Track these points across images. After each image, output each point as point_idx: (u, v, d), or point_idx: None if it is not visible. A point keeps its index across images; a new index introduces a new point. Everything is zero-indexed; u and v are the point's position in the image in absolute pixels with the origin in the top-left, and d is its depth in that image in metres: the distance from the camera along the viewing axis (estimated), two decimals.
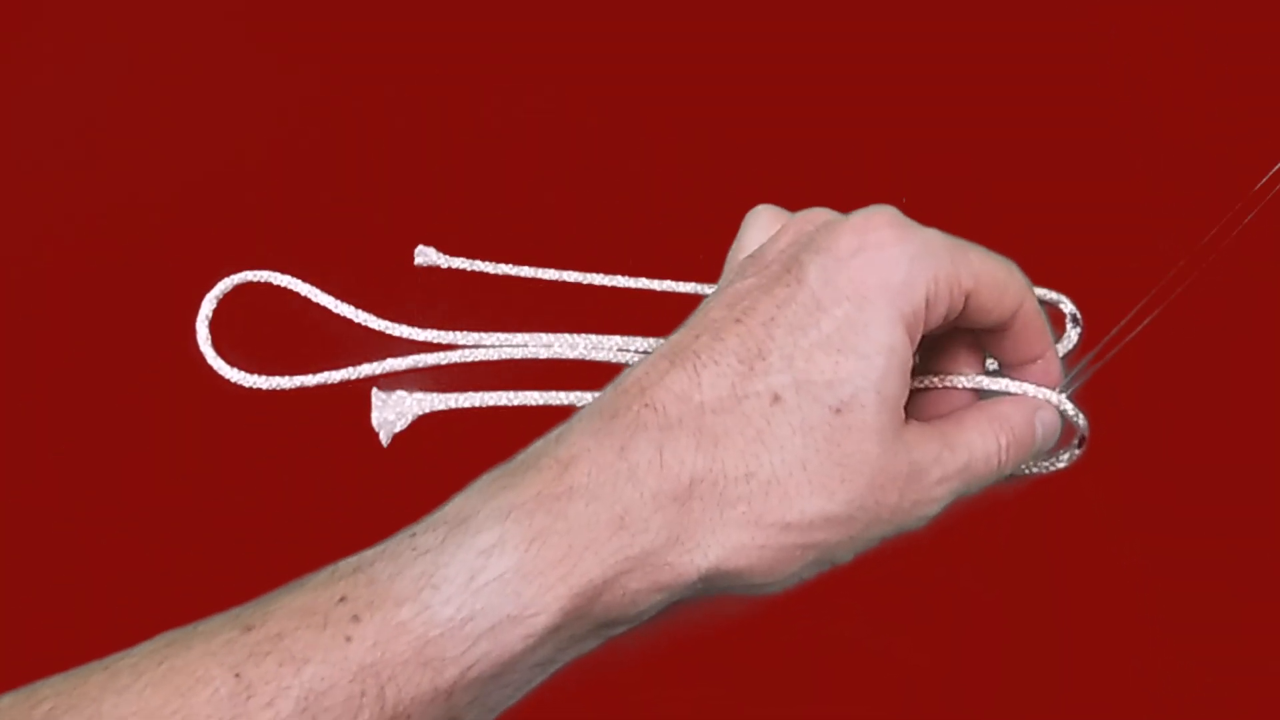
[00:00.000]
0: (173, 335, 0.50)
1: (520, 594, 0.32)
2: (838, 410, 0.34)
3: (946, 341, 0.41)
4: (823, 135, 0.52)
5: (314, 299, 0.50)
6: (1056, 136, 0.52)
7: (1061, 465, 0.42)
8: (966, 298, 0.36)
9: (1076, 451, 0.42)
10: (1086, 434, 0.41)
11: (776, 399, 0.34)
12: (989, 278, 0.36)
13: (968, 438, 0.37)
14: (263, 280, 0.51)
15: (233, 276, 0.50)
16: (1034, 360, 0.40)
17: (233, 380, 0.49)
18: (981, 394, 0.40)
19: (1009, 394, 0.39)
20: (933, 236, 0.36)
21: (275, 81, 0.55)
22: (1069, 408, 0.40)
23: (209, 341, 0.50)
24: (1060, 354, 0.48)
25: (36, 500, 0.47)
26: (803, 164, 0.51)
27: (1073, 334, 0.47)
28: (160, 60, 0.56)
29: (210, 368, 0.49)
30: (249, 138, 0.54)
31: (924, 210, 0.51)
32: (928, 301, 0.35)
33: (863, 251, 0.35)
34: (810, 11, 0.54)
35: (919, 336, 0.35)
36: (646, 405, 0.34)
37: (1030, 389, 0.39)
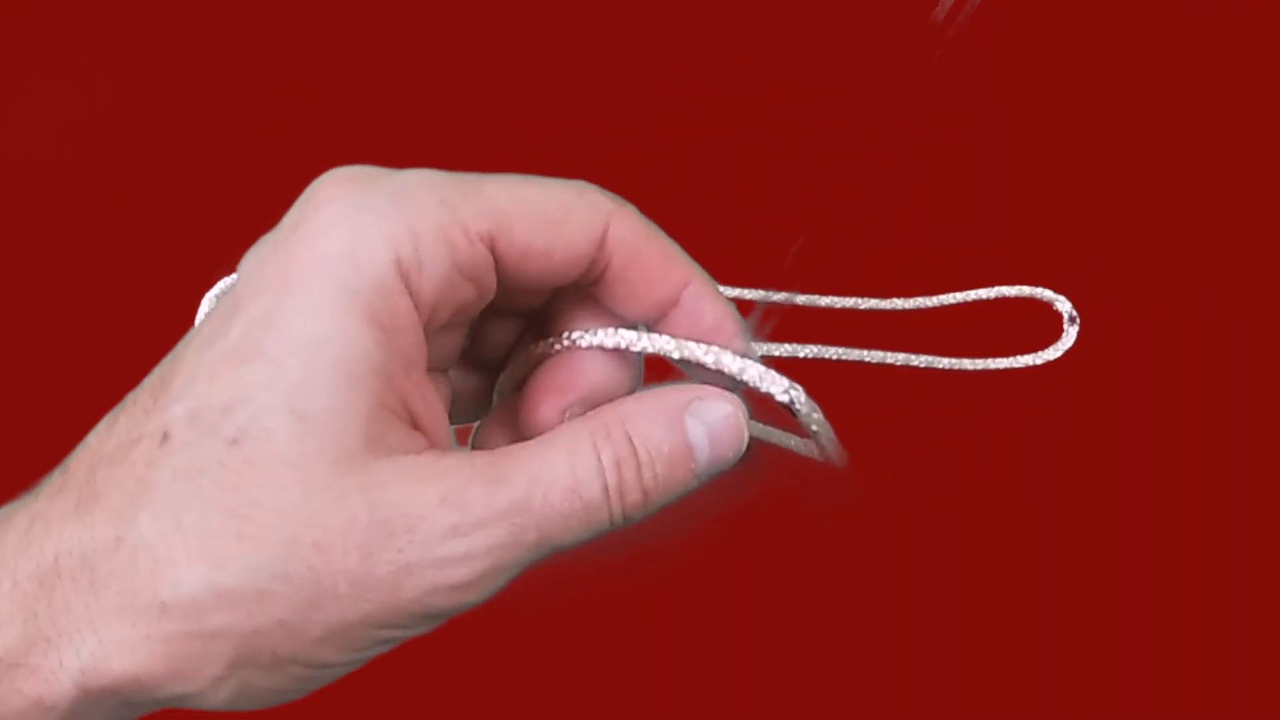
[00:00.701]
0: (173, 335, 0.50)
1: None
2: (234, 441, 0.24)
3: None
4: (821, 134, 0.52)
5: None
6: (1056, 136, 0.52)
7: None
8: (493, 244, 0.26)
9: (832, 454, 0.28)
10: (785, 394, 0.27)
11: (165, 438, 0.25)
12: (523, 206, 0.27)
13: (534, 462, 0.25)
14: None
15: (233, 276, 0.50)
16: (672, 303, 0.28)
17: None
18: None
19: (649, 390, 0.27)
20: (408, 179, 0.27)
21: (275, 81, 0.55)
22: (755, 373, 0.26)
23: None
24: (1058, 352, 0.48)
25: None
26: (802, 164, 0.51)
27: (1071, 333, 0.47)
28: (160, 60, 0.56)
29: None
30: (249, 138, 0.54)
31: (924, 208, 0.51)
32: (402, 265, 0.25)
33: (302, 224, 0.26)
34: (808, 11, 0.54)
35: (412, 319, 0.26)
36: (63, 470, 0.26)
37: (694, 347, 0.27)
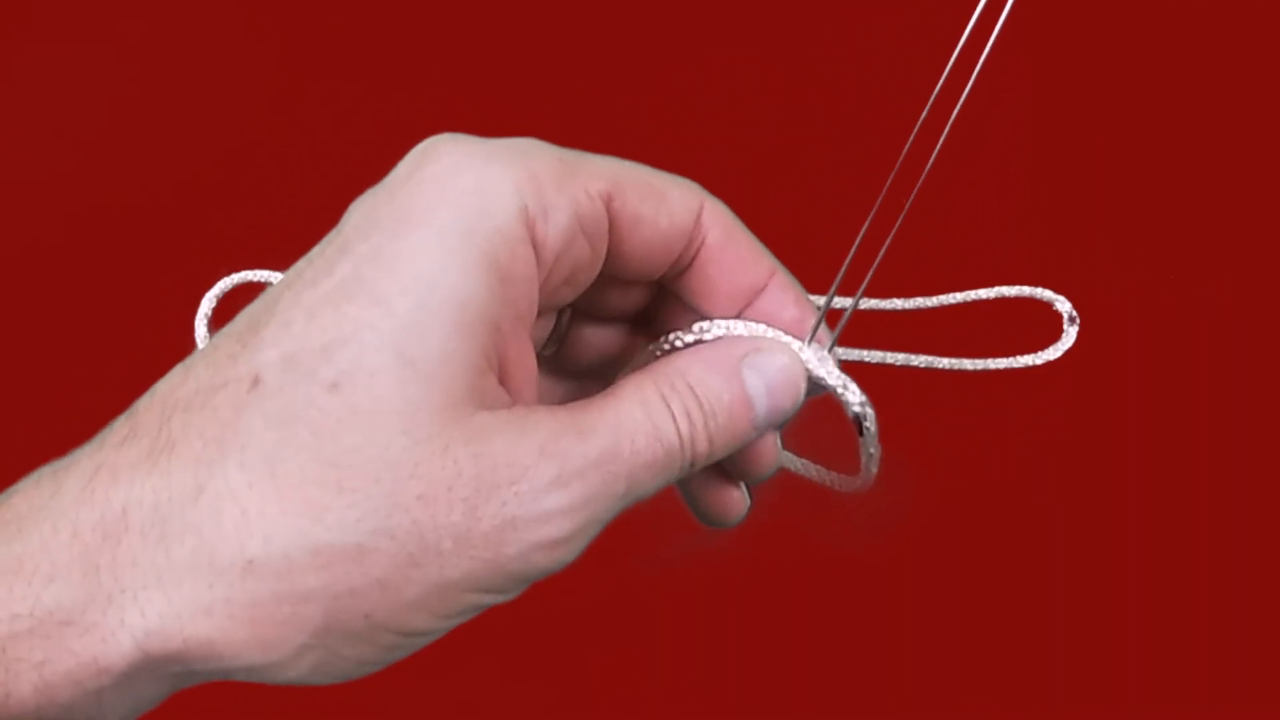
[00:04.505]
0: (173, 334, 0.50)
1: None
2: (334, 385, 0.23)
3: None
4: (819, 133, 0.52)
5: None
6: (1056, 137, 0.52)
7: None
8: (609, 202, 0.26)
9: (870, 443, 0.28)
10: (861, 408, 0.28)
11: (256, 382, 0.23)
12: (633, 175, 0.27)
13: (613, 414, 0.25)
14: (263, 280, 0.51)
15: (233, 276, 0.51)
16: (756, 293, 0.28)
17: None
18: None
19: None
20: (522, 140, 0.26)
21: (275, 81, 0.55)
22: (839, 380, 0.28)
23: (208, 340, 0.50)
24: (1058, 352, 0.48)
25: None
26: (800, 163, 0.51)
27: (1071, 333, 0.47)
28: (161, 60, 0.56)
29: None
30: (249, 138, 0.54)
31: (924, 208, 0.51)
32: (529, 211, 0.24)
33: (421, 168, 0.25)
34: (808, 10, 0.54)
35: (532, 270, 0.25)
36: (130, 416, 0.25)
37: (734, 325, 0.28)
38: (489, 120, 0.53)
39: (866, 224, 0.30)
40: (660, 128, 0.53)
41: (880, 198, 0.30)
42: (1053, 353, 0.48)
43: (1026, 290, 0.49)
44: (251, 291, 0.51)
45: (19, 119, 0.55)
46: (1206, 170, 0.51)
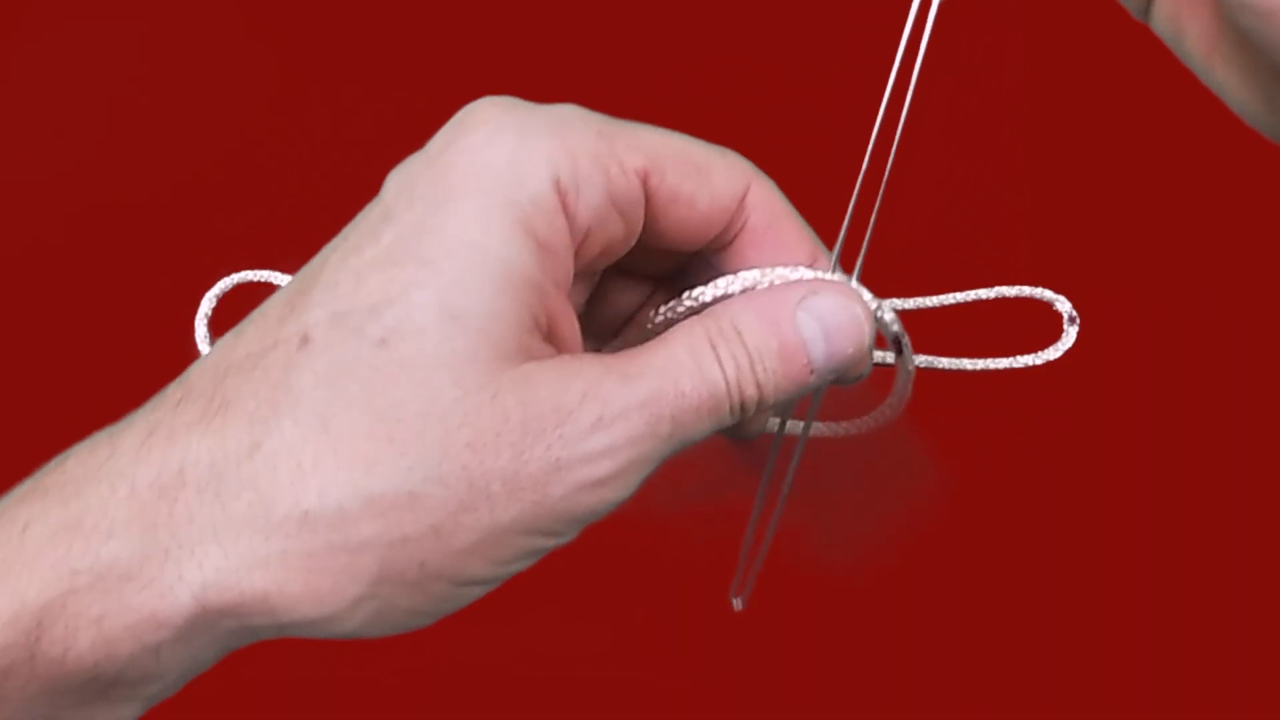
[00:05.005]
0: (172, 334, 0.50)
1: None
2: (382, 341, 0.24)
3: None
4: (816, 133, 0.52)
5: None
6: (1056, 137, 0.52)
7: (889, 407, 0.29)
8: (645, 180, 0.26)
9: (907, 369, 0.29)
10: (902, 338, 0.29)
11: (305, 341, 0.24)
12: (674, 149, 0.27)
13: (660, 358, 0.25)
14: (263, 280, 0.51)
15: (233, 276, 0.51)
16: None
17: None
18: None
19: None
20: (564, 110, 0.26)
21: (275, 81, 0.55)
22: (858, 309, 0.27)
23: (208, 340, 0.50)
24: (1058, 352, 0.48)
25: None
26: (801, 164, 0.51)
27: (1071, 333, 0.47)
28: (161, 60, 0.56)
29: None
30: (249, 137, 0.54)
31: (924, 208, 0.51)
32: (561, 185, 0.25)
33: (459, 139, 0.26)
34: (807, 10, 0.54)
35: (566, 240, 0.26)
36: (182, 382, 0.25)
37: (785, 272, 0.27)
38: None
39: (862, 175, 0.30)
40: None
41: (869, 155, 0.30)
42: (1053, 353, 0.48)
43: (1026, 290, 0.49)
44: (251, 291, 0.51)
45: (19, 119, 0.55)
46: (1206, 170, 0.51)
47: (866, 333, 0.27)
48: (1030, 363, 0.48)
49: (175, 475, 0.24)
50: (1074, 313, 0.47)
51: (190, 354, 0.49)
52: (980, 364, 0.48)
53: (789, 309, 0.27)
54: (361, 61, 0.55)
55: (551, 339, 0.26)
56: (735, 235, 0.28)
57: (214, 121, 0.54)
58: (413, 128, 0.53)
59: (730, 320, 0.26)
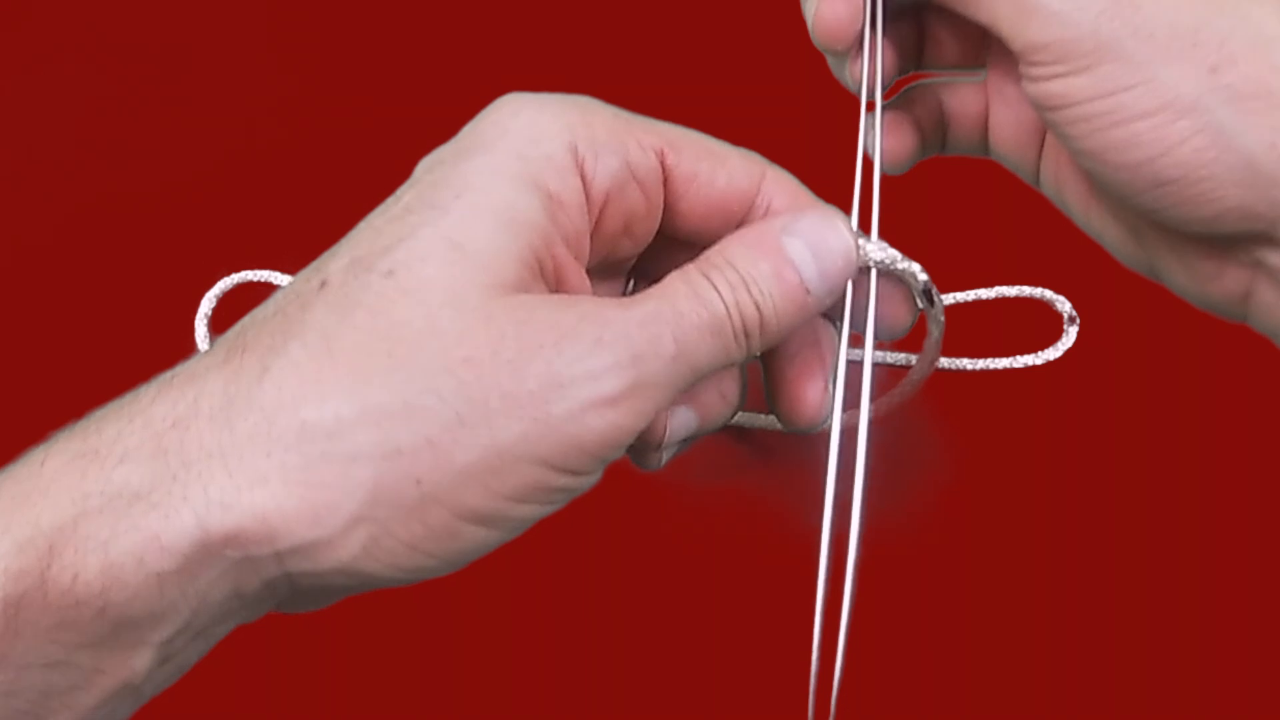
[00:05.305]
0: (172, 334, 0.50)
1: None
2: (389, 272, 0.25)
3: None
4: (820, 133, 0.52)
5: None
6: None
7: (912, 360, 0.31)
8: (663, 157, 0.28)
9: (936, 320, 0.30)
10: (927, 286, 0.30)
11: (323, 285, 0.25)
12: (690, 137, 0.28)
13: (655, 290, 0.26)
14: (263, 280, 0.51)
15: (233, 276, 0.51)
16: None
17: None
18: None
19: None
20: (585, 97, 0.28)
21: (275, 81, 0.55)
22: (840, 225, 0.28)
23: (208, 340, 0.50)
24: (1058, 352, 0.48)
25: None
26: (800, 164, 0.51)
27: (1071, 333, 0.47)
28: (161, 60, 0.56)
29: None
30: (249, 137, 0.54)
31: (916, 207, 0.51)
32: (577, 150, 0.26)
33: (481, 119, 0.27)
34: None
35: (579, 199, 0.26)
36: (236, 334, 0.26)
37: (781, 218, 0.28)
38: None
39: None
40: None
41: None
42: (1053, 353, 0.48)
43: (1026, 290, 0.49)
44: (251, 291, 0.51)
45: (19, 118, 0.55)
46: None
47: (853, 250, 0.28)
48: (1030, 363, 0.48)
49: (190, 407, 0.24)
50: (1074, 313, 0.47)
51: (190, 353, 0.49)
52: (980, 364, 0.48)
53: (774, 234, 0.27)
54: (361, 62, 0.55)
55: (559, 291, 0.26)
56: (761, 216, 0.29)
57: (214, 122, 0.54)
58: (412, 128, 0.53)
59: (719, 253, 0.27)
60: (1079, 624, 0.44)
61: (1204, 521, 0.46)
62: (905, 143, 0.33)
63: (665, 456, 0.30)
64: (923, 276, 0.30)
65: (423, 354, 0.24)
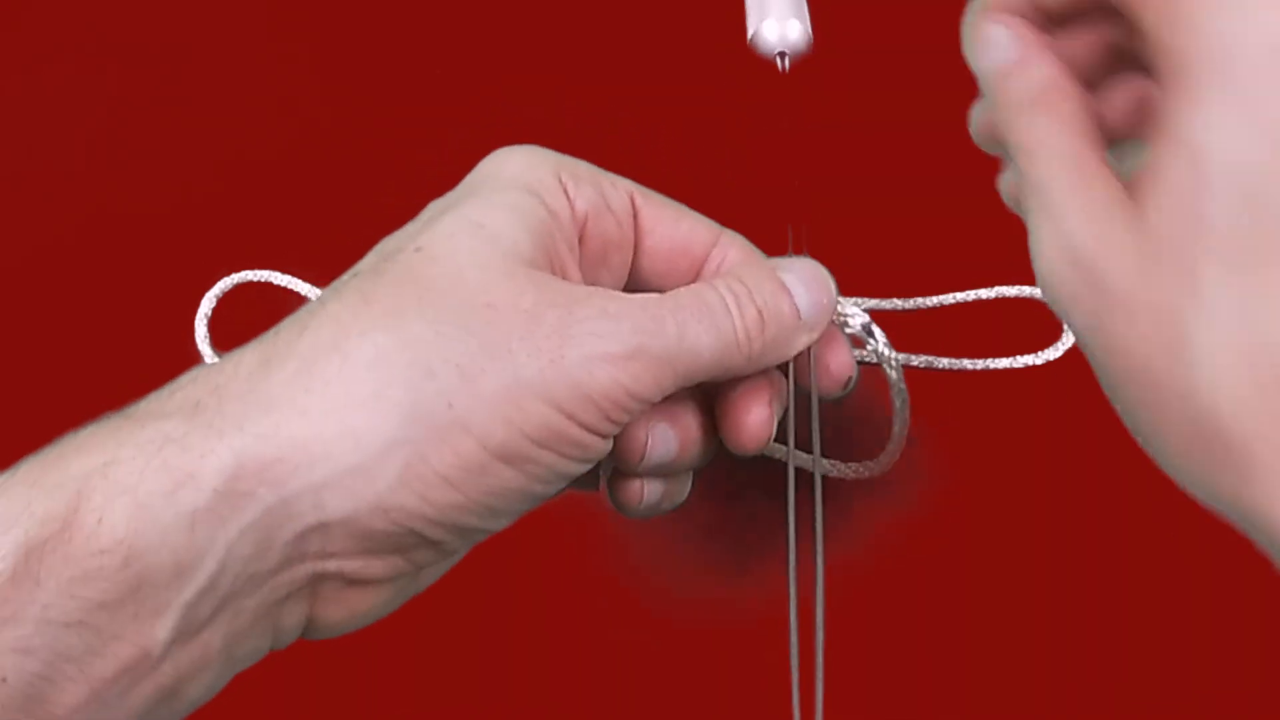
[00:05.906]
0: (172, 334, 0.50)
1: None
2: (419, 249, 0.28)
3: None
4: (819, 133, 0.52)
5: (314, 298, 0.51)
6: None
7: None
8: (632, 199, 0.32)
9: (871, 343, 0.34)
10: (867, 325, 0.34)
11: (356, 274, 0.29)
12: (655, 196, 0.33)
13: (671, 286, 0.31)
14: (263, 280, 0.51)
15: (233, 276, 0.51)
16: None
17: None
18: None
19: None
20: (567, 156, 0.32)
21: (275, 81, 0.55)
22: (823, 269, 0.32)
23: (208, 340, 0.50)
24: (1058, 352, 0.48)
25: None
26: (800, 164, 0.51)
27: (1071, 333, 0.47)
28: (161, 60, 0.56)
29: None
30: (249, 137, 0.54)
31: (924, 208, 0.51)
32: (562, 179, 0.31)
33: (480, 165, 0.32)
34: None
35: (569, 215, 0.30)
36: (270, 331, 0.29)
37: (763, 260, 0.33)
38: (490, 120, 0.53)
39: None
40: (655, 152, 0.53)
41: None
42: (1053, 353, 0.48)
43: (1026, 290, 0.49)
44: (251, 291, 0.51)
45: (19, 119, 0.55)
46: None
47: (834, 285, 0.32)
48: (1030, 363, 0.48)
49: (228, 375, 0.26)
50: None
51: (190, 354, 0.49)
52: (980, 364, 0.48)
53: (769, 267, 0.31)
54: (361, 62, 0.55)
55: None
56: (718, 270, 0.32)
57: (214, 122, 0.54)
58: (412, 128, 0.54)
59: (723, 273, 0.31)
60: (1079, 624, 0.45)
61: (1204, 521, 0.46)
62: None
63: (646, 493, 0.32)
64: (863, 318, 0.34)
65: (451, 299, 0.27)
